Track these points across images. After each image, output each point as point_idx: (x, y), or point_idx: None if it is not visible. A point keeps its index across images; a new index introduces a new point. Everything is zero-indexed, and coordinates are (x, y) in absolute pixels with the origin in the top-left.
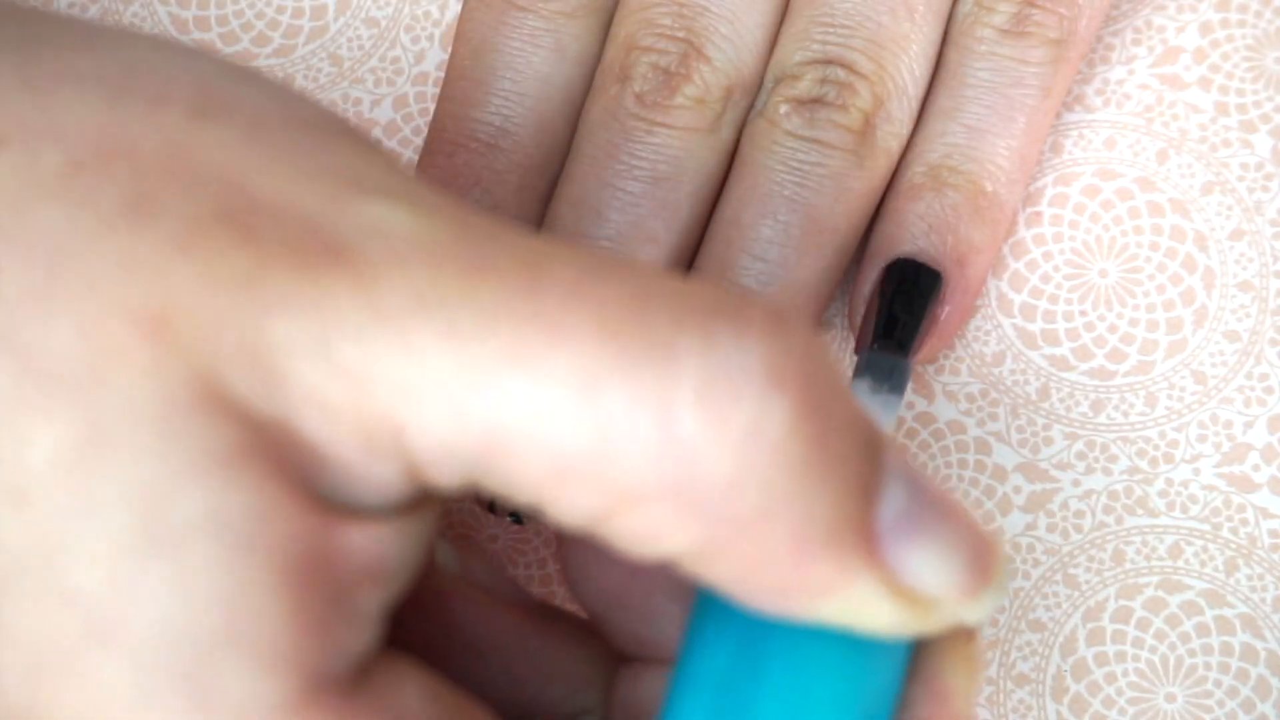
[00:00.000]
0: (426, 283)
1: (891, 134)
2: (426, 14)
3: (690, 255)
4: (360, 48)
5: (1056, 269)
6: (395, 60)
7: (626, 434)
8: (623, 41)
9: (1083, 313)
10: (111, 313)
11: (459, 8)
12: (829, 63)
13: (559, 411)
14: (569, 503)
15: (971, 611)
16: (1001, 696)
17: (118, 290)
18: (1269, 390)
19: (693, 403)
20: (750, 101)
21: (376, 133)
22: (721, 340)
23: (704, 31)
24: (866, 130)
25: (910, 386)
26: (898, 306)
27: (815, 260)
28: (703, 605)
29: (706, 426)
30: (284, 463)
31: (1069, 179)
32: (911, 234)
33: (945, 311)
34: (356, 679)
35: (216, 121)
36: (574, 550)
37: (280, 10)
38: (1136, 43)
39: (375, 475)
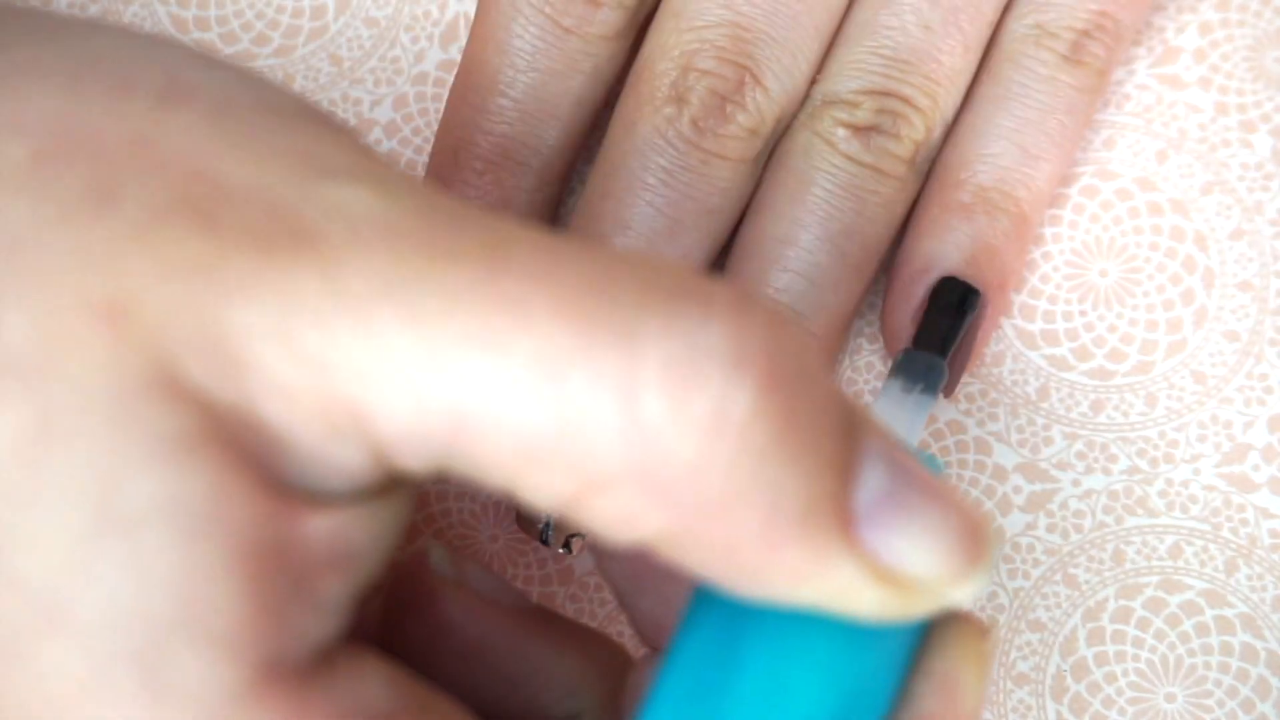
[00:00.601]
0: (389, 266)
1: (928, 158)
2: (426, 14)
3: (707, 268)
4: (360, 48)
5: (1056, 269)
6: (395, 60)
7: (590, 417)
8: (678, 59)
9: (1082, 313)
10: (68, 302)
11: (459, 7)
12: (887, 95)
13: (522, 394)
14: (537, 486)
15: (960, 593)
16: (1001, 696)
17: (75, 280)
18: (1269, 390)
19: (655, 385)
20: (788, 125)
21: (376, 132)
22: (685, 322)
23: (765, 60)
24: (914, 159)
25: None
26: (938, 315)
27: (859, 282)
28: (698, 589)
29: (669, 409)
30: (243, 448)
31: (1069, 179)
32: (961, 253)
33: (979, 334)
34: (316, 667)
35: (181, 107)
36: None
37: (280, 10)
38: (1136, 43)
39: (339, 460)
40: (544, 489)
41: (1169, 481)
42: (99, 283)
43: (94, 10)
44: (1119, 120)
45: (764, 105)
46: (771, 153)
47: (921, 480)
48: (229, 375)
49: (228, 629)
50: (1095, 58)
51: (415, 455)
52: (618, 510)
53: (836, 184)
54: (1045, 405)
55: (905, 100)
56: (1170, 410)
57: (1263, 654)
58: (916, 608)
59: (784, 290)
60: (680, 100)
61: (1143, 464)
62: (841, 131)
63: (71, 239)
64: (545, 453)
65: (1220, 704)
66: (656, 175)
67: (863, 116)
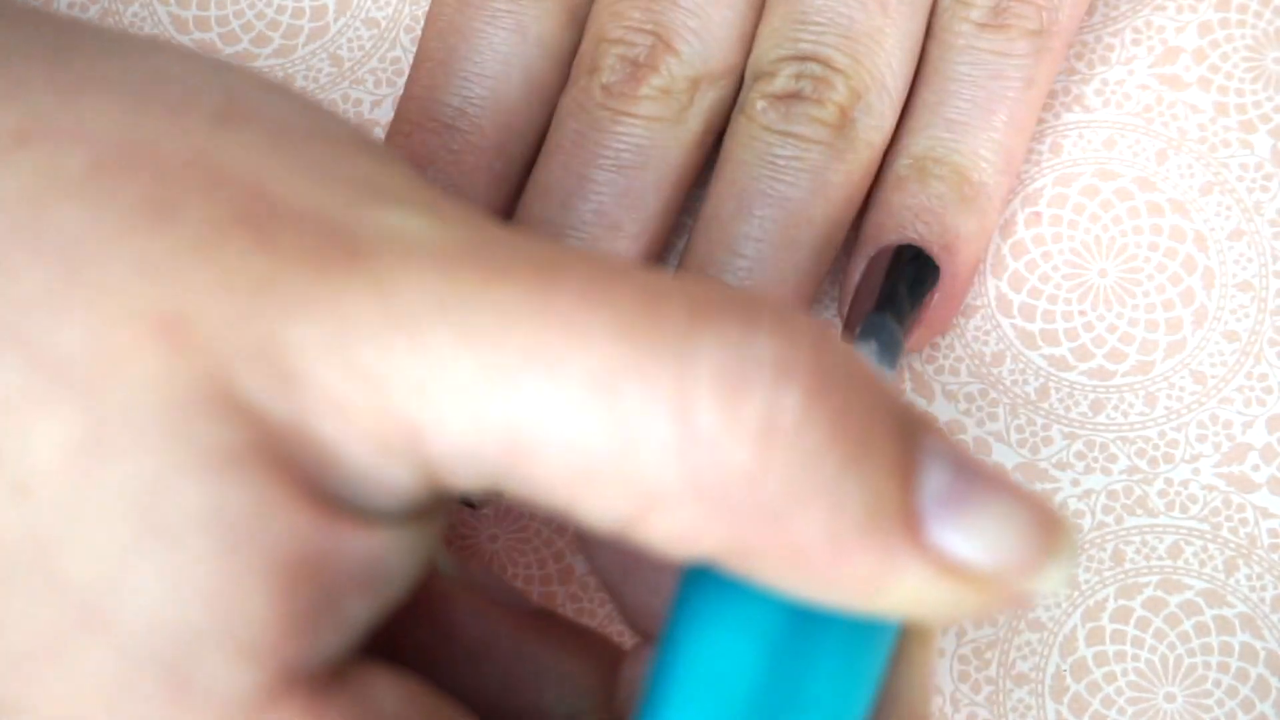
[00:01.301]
0: (443, 285)
1: (873, 127)
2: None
3: (660, 243)
4: (360, 48)
5: (1056, 269)
6: (395, 61)
7: (646, 433)
8: (594, 35)
9: (1082, 313)
10: (124, 313)
11: None
12: (804, 59)
13: (578, 412)
14: (595, 506)
15: (1039, 581)
16: (1001, 696)
17: (132, 291)
18: (1268, 390)
19: (707, 397)
20: (720, 94)
21: (377, 133)
22: (733, 335)
23: (672, 25)
24: (843, 123)
25: (909, 387)
26: (899, 282)
27: (793, 254)
28: (687, 574)
29: (721, 419)
30: (291, 464)
31: (1068, 179)
32: (899, 223)
33: (935, 298)
34: (331, 677)
35: (240, 128)
36: None
37: (280, 10)
38: (1136, 43)
39: (389, 477)
40: (602, 509)
41: (1168, 481)
42: (156, 295)
43: (94, 10)
44: (1119, 120)
45: (675, 67)
46: None
47: (985, 473)
48: (283, 390)
49: (255, 637)
50: (1020, 18)
51: (467, 473)
52: (678, 527)
53: (754, 156)
54: (1045, 405)
55: (823, 62)
56: (1170, 410)
57: (1262, 654)
58: (995, 601)
59: (718, 266)
60: (593, 70)
61: (1142, 464)
62: (761, 104)
63: (130, 249)
64: (602, 471)
65: (1220, 704)
66: (572, 139)
67: (781, 84)
